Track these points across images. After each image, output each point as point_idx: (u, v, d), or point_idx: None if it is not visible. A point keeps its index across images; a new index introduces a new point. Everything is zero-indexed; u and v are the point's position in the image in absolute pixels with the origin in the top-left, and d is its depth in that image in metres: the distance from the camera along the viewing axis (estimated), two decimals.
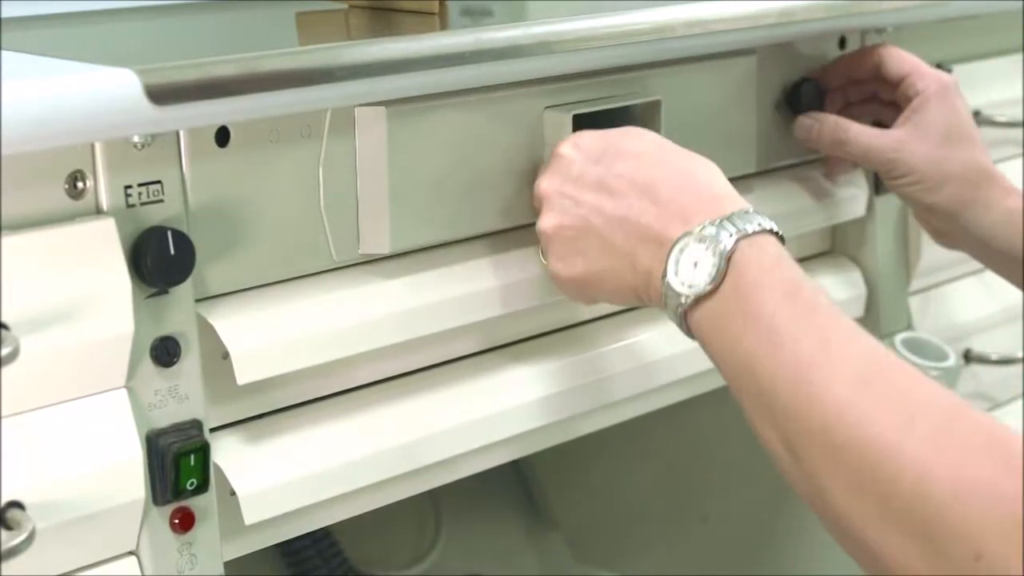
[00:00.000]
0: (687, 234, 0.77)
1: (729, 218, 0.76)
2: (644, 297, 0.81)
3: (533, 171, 0.88)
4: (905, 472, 0.65)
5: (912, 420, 0.66)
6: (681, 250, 0.77)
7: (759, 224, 0.76)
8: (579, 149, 0.84)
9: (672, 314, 0.78)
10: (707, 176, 0.81)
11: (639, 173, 0.81)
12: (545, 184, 0.84)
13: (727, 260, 0.75)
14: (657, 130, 0.89)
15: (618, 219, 0.80)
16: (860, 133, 1.04)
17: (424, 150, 0.83)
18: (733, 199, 0.79)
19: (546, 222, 0.84)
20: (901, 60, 1.06)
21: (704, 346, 0.77)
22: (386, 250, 0.83)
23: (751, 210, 0.77)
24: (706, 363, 0.78)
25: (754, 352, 0.72)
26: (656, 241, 0.79)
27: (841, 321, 0.73)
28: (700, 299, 0.76)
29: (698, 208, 0.78)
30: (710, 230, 0.76)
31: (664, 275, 0.77)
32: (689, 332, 0.78)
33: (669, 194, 0.79)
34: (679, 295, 0.76)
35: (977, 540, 0.62)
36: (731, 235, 0.75)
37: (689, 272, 0.76)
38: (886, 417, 0.67)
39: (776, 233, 0.77)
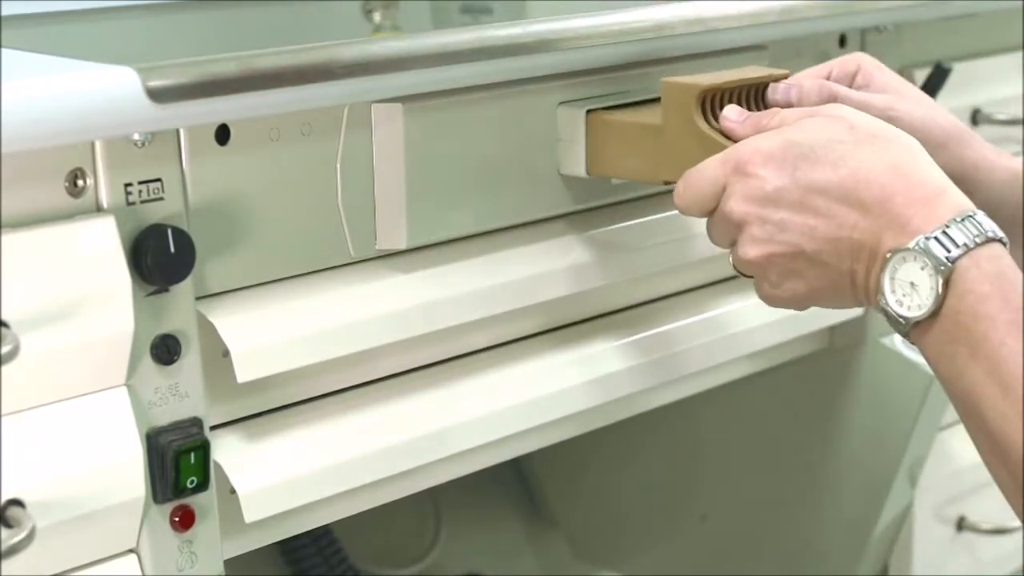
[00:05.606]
0: (901, 249, 0.73)
1: (946, 229, 0.72)
2: (867, 305, 0.78)
3: (547, 166, 0.88)
4: None
5: None
6: (895, 267, 0.74)
7: (977, 232, 0.72)
8: (767, 162, 0.78)
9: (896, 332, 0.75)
10: (913, 164, 0.76)
11: (841, 181, 0.76)
12: (740, 208, 0.78)
13: (945, 283, 0.71)
14: None
15: (831, 240, 0.76)
16: (850, 92, 0.95)
17: (440, 146, 0.83)
18: (946, 196, 0.74)
19: (753, 251, 0.78)
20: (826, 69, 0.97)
21: (930, 366, 0.74)
22: (403, 245, 0.83)
23: (968, 212, 0.73)
24: (719, 356, 0.76)
25: (981, 391, 0.70)
26: (871, 256, 0.75)
27: None
28: (920, 323, 0.73)
29: (911, 212, 0.74)
30: (925, 245, 0.72)
31: (881, 294, 0.74)
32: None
33: (876, 197, 0.75)
34: (898, 320, 0.74)
35: None
36: (948, 253, 0.72)
37: (907, 293, 0.73)
38: None
39: (998, 239, 0.73)
